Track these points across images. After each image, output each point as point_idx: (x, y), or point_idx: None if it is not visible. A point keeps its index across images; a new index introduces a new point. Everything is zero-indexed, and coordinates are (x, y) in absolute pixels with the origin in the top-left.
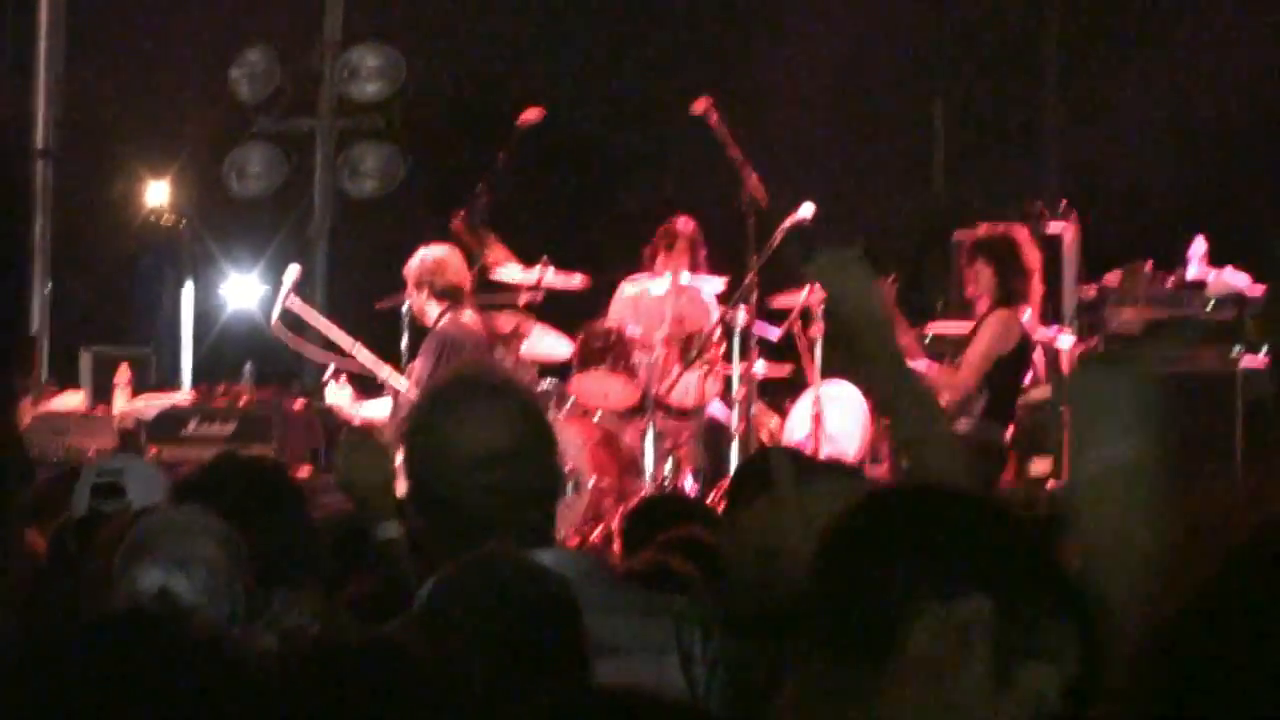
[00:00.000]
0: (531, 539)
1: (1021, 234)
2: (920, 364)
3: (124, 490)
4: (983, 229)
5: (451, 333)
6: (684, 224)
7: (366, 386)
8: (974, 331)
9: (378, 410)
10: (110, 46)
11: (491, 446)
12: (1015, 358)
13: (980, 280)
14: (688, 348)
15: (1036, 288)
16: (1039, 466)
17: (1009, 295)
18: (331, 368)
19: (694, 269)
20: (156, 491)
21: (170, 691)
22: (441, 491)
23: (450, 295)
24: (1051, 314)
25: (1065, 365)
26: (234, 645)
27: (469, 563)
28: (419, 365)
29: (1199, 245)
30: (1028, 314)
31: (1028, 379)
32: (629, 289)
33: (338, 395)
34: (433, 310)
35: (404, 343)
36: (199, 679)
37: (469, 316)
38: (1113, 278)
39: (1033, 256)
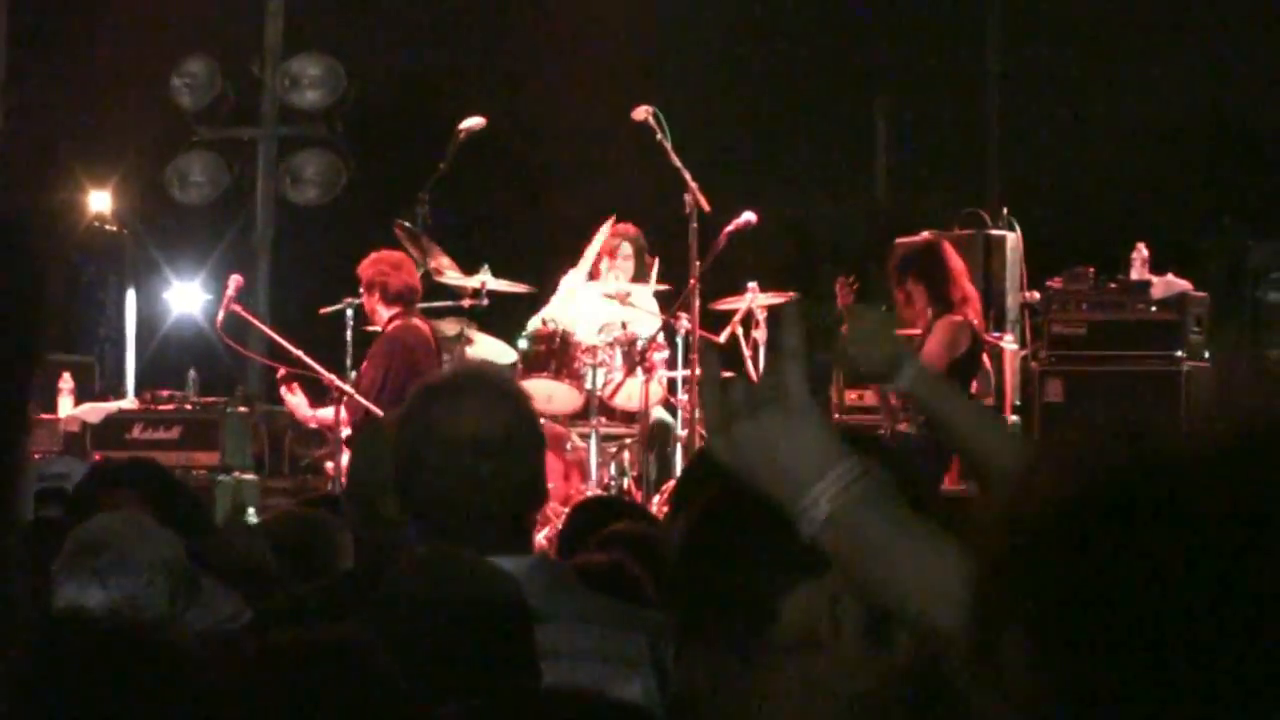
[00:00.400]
0: (503, 540)
1: (939, 241)
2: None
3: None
4: (916, 239)
5: (402, 337)
6: (626, 230)
7: (316, 393)
8: (922, 338)
9: (330, 415)
10: (51, 55)
11: (480, 434)
12: (966, 362)
13: (915, 298)
14: (631, 352)
15: (970, 290)
16: None
17: (949, 303)
18: (281, 372)
19: (640, 275)
20: None
21: (101, 689)
22: (425, 478)
23: (403, 300)
24: (994, 319)
25: (1008, 370)
26: (163, 644)
27: (418, 561)
28: (370, 369)
29: (1140, 251)
30: (974, 319)
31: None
32: (573, 284)
33: (291, 400)
34: (384, 313)
35: (348, 348)
36: (129, 677)
37: (418, 322)
38: (1055, 283)
39: (956, 261)
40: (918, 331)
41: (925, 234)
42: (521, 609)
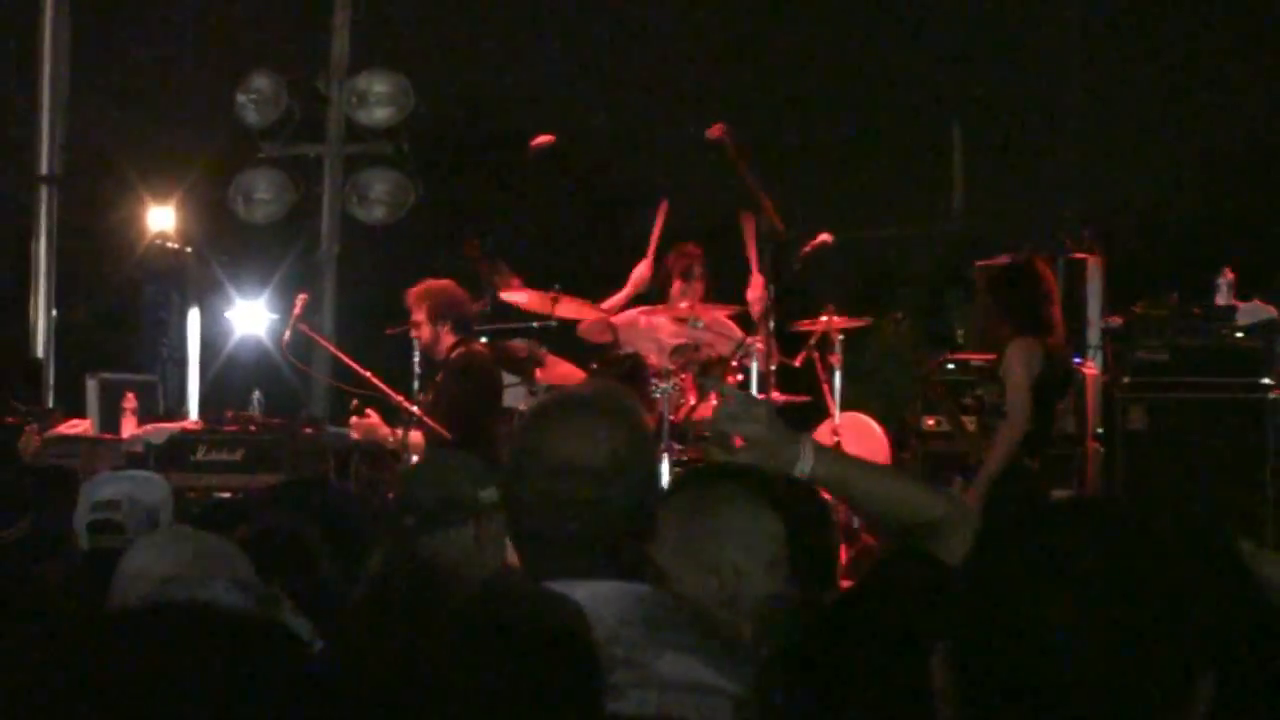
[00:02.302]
0: (598, 567)
1: (1035, 262)
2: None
3: (122, 527)
4: (995, 262)
5: (473, 365)
6: (693, 251)
7: (384, 417)
8: (996, 361)
9: (415, 438)
10: (115, 71)
11: (578, 459)
12: (1042, 385)
13: (1000, 317)
14: (705, 375)
15: (1056, 315)
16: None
17: (1024, 325)
18: (354, 403)
19: (707, 297)
20: (162, 519)
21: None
22: (523, 502)
23: (465, 327)
24: (1076, 344)
25: (1090, 396)
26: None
27: (478, 590)
28: (445, 396)
29: (1226, 275)
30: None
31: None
32: (636, 315)
33: (364, 425)
34: (448, 341)
35: (414, 370)
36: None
37: (479, 349)
38: (1138, 307)
39: (1047, 283)
40: (992, 356)
41: (1004, 257)
42: (584, 640)
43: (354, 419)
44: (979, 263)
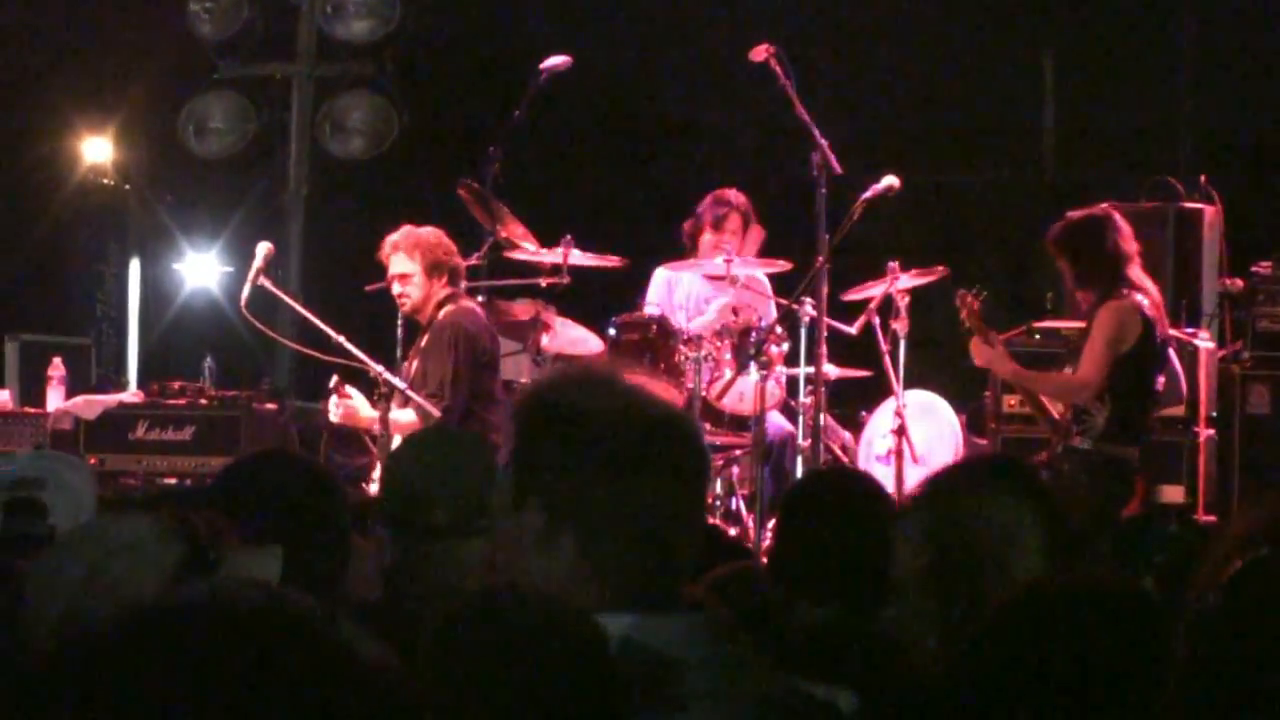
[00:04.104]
0: (644, 591)
1: (1107, 215)
2: (1028, 371)
3: (45, 509)
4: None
5: (466, 324)
6: (735, 197)
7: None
8: (1085, 329)
9: (407, 418)
10: None
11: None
12: (1138, 356)
13: (1066, 280)
14: (744, 344)
15: (1142, 279)
16: (1170, 495)
17: (1111, 284)
18: (335, 379)
19: (747, 251)
20: (86, 505)
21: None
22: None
23: (456, 280)
24: (1188, 311)
25: (1203, 374)
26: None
27: (483, 597)
28: (436, 364)
29: None
30: (1145, 302)
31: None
32: (667, 274)
33: (346, 407)
34: (439, 296)
35: (398, 333)
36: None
37: (472, 304)
38: (1262, 267)
39: (1126, 240)
40: (1081, 324)
41: (1103, 206)
42: (603, 662)
43: (332, 399)
44: (1070, 213)
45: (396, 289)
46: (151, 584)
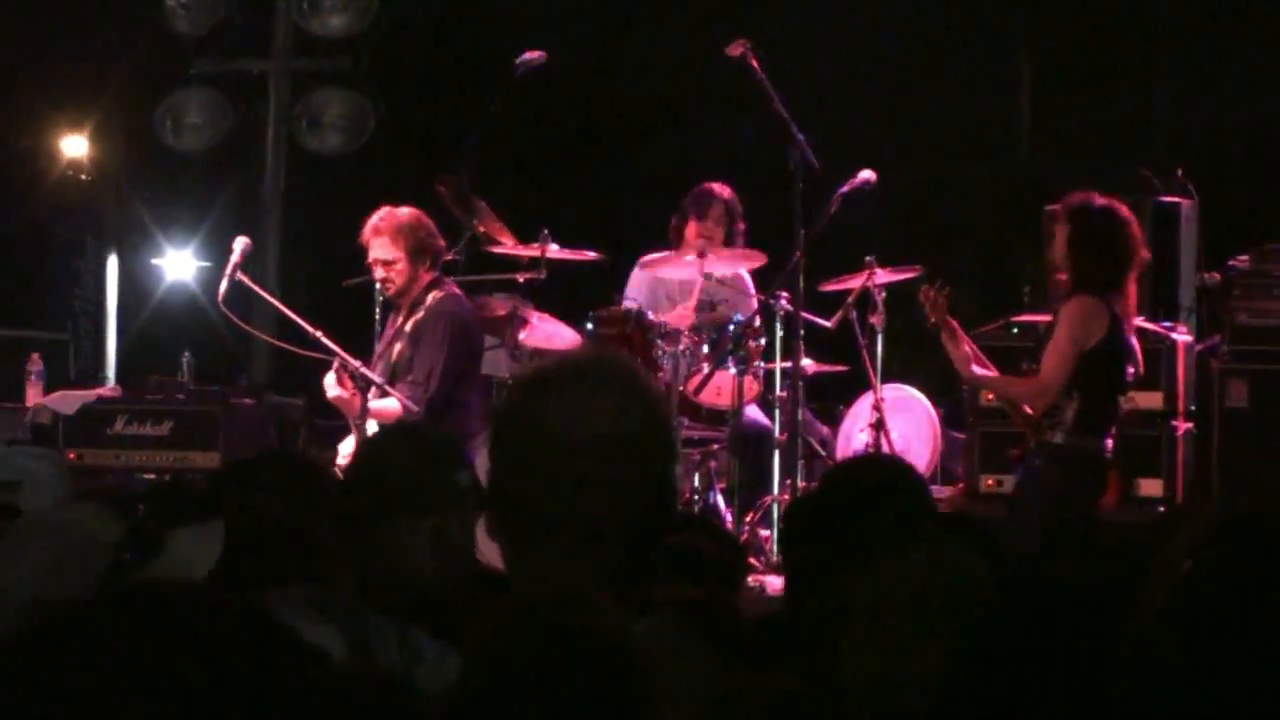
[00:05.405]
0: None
1: (1123, 211)
2: (989, 374)
3: (18, 510)
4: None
5: (458, 312)
6: (719, 190)
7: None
8: (1051, 324)
9: (389, 407)
10: None
11: (605, 432)
12: (1105, 351)
13: (1057, 250)
14: (721, 339)
15: (1130, 283)
16: (1149, 488)
17: (1093, 281)
18: (336, 363)
19: (729, 245)
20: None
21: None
22: (527, 491)
23: (438, 262)
24: (1166, 304)
25: (1181, 368)
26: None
27: (512, 613)
28: (427, 353)
29: None
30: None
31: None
32: (650, 277)
33: (342, 393)
34: (425, 279)
35: (376, 327)
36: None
37: (458, 291)
38: (1240, 261)
39: (1141, 244)
40: (1047, 317)
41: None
42: (631, 681)
43: (330, 376)
44: (1049, 208)
45: (380, 274)
46: (92, 564)
